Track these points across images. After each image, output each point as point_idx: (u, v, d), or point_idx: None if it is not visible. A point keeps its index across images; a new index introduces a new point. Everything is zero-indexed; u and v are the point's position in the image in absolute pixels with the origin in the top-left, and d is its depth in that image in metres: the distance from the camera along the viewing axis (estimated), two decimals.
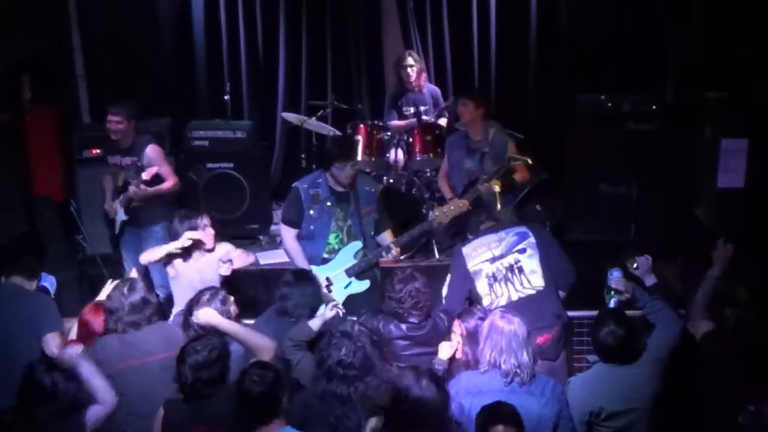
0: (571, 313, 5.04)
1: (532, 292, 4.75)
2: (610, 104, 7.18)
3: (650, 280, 4.61)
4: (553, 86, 8.08)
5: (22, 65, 7.06)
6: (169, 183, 6.22)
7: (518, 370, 3.93)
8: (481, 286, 4.80)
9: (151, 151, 6.14)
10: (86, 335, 4.57)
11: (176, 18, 8.14)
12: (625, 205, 6.95)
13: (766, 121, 6.65)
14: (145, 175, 5.93)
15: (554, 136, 7.61)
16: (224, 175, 7.26)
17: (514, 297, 4.75)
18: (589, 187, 7.17)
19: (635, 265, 4.64)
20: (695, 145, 7.09)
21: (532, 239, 4.84)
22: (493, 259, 4.82)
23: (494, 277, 4.79)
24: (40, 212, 7.13)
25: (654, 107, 7.15)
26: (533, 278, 4.77)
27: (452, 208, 5.26)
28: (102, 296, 4.84)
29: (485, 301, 4.78)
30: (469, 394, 3.95)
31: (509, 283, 4.77)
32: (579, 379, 4.30)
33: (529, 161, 5.82)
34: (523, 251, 4.81)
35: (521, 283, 4.76)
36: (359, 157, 6.92)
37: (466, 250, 4.92)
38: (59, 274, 5.60)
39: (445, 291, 5.02)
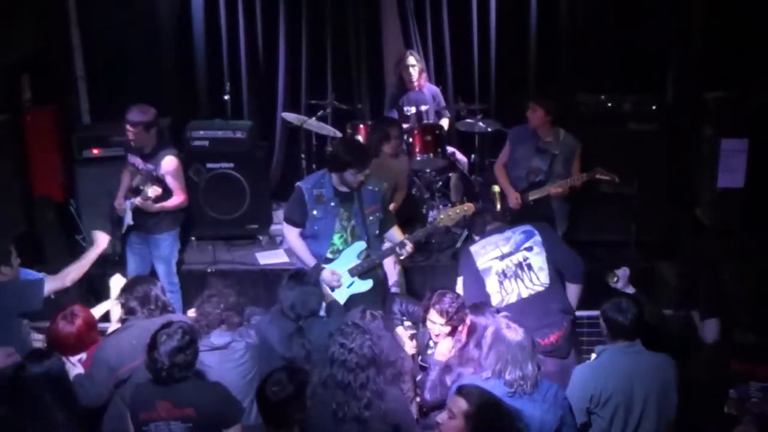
0: None
1: (541, 289, 4.79)
2: (610, 104, 7.19)
3: (630, 290, 4.66)
4: (553, 86, 8.07)
5: (22, 65, 7.05)
6: (176, 200, 5.98)
7: (522, 381, 3.93)
8: (491, 284, 4.81)
9: (168, 163, 5.92)
10: (73, 345, 4.48)
11: (176, 18, 8.14)
12: (625, 205, 6.94)
13: (766, 121, 6.64)
14: (150, 193, 5.71)
15: None
16: (224, 175, 7.25)
17: (524, 294, 4.78)
18: (589, 187, 7.16)
19: (615, 279, 4.68)
20: (695, 145, 7.09)
21: (537, 237, 4.90)
22: (503, 257, 4.85)
23: (504, 274, 4.81)
24: (40, 212, 7.12)
25: (654, 107, 7.15)
26: (542, 275, 4.81)
27: (457, 211, 5.27)
28: (112, 295, 4.93)
29: (495, 299, 4.79)
30: None
31: (519, 280, 4.79)
32: (582, 366, 4.33)
33: (617, 180, 5.91)
34: (530, 249, 4.87)
35: (530, 280, 4.79)
36: None
37: (474, 248, 4.95)
38: None
39: (460, 292, 4.98)
